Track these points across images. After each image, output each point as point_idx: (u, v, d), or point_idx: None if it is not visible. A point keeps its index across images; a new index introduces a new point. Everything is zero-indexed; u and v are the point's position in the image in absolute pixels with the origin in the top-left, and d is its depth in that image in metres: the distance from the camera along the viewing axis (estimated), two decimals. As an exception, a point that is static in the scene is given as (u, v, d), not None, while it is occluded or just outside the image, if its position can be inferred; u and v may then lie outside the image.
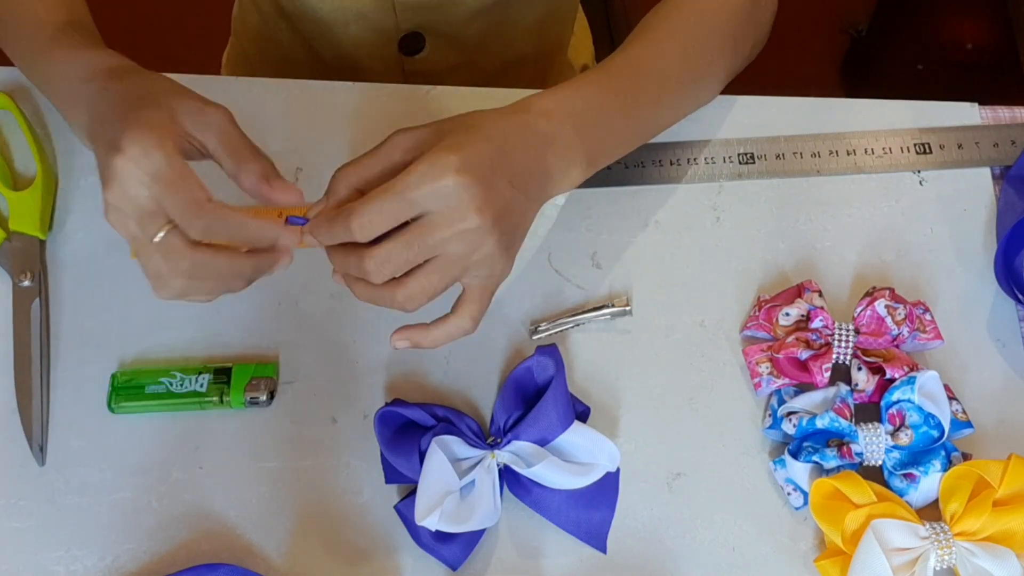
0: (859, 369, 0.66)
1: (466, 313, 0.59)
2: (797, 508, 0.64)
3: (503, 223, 0.57)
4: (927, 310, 0.68)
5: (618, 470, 0.64)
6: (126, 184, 0.54)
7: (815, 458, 0.63)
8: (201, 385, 0.66)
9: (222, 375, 0.66)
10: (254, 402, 0.66)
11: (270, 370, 0.67)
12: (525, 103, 0.61)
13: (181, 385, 0.66)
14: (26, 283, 0.69)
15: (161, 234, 0.54)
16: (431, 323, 0.60)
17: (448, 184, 0.54)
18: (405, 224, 0.55)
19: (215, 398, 0.66)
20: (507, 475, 0.63)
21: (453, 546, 0.62)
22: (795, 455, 0.64)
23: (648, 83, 0.67)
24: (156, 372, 0.67)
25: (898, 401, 0.64)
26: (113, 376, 0.67)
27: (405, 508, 0.63)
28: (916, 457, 0.64)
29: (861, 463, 0.64)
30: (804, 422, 0.63)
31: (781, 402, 0.66)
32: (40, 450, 0.65)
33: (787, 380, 0.66)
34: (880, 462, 0.64)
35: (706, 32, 0.69)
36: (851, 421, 0.63)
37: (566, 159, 0.61)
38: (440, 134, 0.57)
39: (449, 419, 0.63)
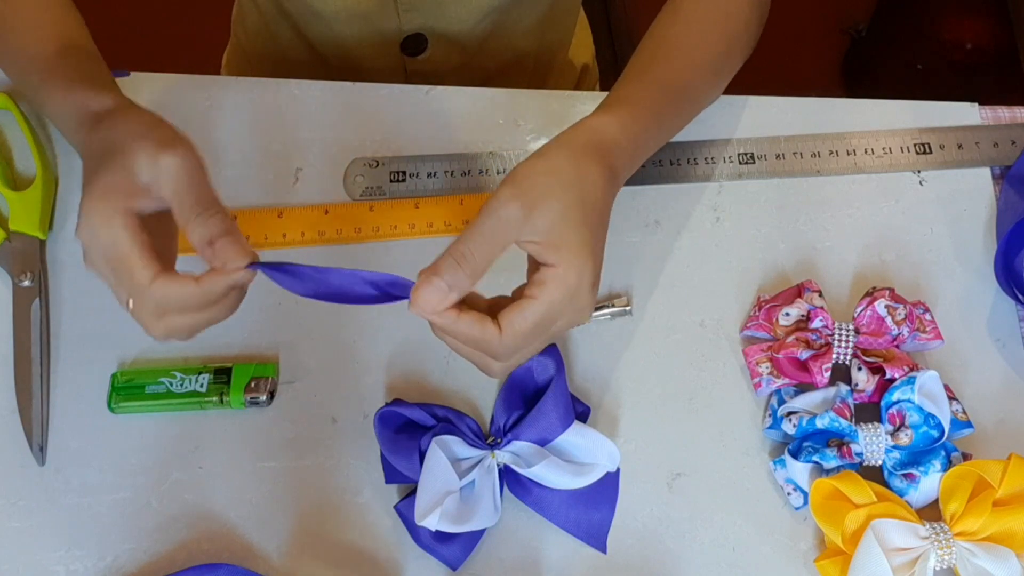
0: (859, 369, 0.66)
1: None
2: (797, 508, 0.64)
3: (597, 291, 0.58)
4: (927, 310, 0.68)
5: (618, 470, 0.64)
6: (89, 255, 0.55)
7: (815, 458, 0.63)
8: (201, 385, 0.66)
9: (222, 375, 0.66)
10: (254, 402, 0.66)
11: (270, 370, 0.67)
12: (603, 141, 0.60)
13: (181, 385, 0.66)
14: (26, 283, 0.69)
15: (130, 303, 0.55)
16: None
17: (584, 303, 0.56)
18: None
19: (215, 398, 0.66)
20: (507, 475, 0.63)
21: (453, 546, 0.62)
22: (795, 455, 0.64)
23: (680, 97, 0.68)
24: (156, 372, 0.67)
25: (898, 401, 0.64)
26: (113, 376, 0.67)
27: (405, 508, 0.63)
28: (916, 457, 0.64)
29: (861, 463, 0.64)
30: (804, 422, 0.63)
31: (781, 402, 0.66)
32: (40, 450, 0.65)
33: (787, 380, 0.66)
34: (880, 462, 0.64)
35: (724, 34, 0.70)
36: (851, 421, 0.63)
37: (616, 189, 0.62)
38: (559, 213, 0.55)
39: (449, 419, 0.63)
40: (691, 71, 0.68)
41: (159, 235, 0.57)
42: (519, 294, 0.56)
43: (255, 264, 0.54)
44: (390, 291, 0.55)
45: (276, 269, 0.55)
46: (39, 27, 0.67)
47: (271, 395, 0.66)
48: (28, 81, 0.67)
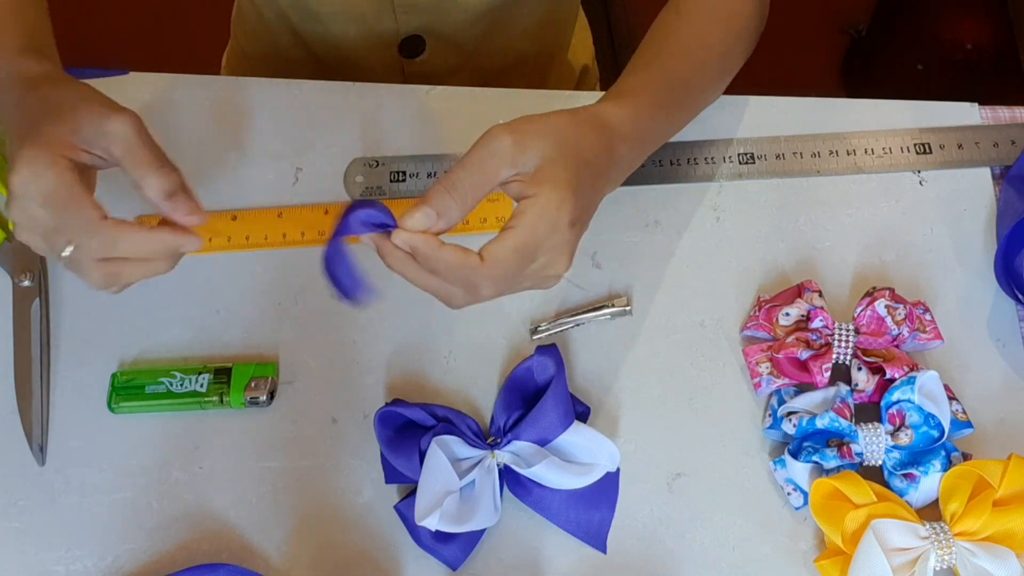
0: (859, 369, 0.66)
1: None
2: (797, 508, 0.64)
3: (577, 241, 0.58)
4: (927, 310, 0.68)
5: (618, 470, 0.64)
6: (23, 203, 0.54)
7: (815, 458, 0.63)
8: (201, 385, 0.66)
9: (222, 375, 0.66)
10: (254, 402, 0.66)
11: (270, 370, 0.67)
12: (607, 120, 0.61)
13: (181, 385, 0.66)
14: (26, 283, 0.69)
15: (67, 251, 0.55)
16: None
17: (564, 240, 0.56)
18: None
19: (215, 398, 0.66)
20: (507, 475, 0.63)
21: (453, 546, 0.62)
22: (795, 455, 0.64)
23: (684, 92, 0.68)
24: (156, 372, 0.67)
25: (898, 401, 0.64)
26: (113, 376, 0.67)
27: (405, 508, 0.63)
28: (916, 457, 0.64)
29: (861, 463, 0.64)
30: (804, 422, 0.63)
31: (781, 402, 0.66)
32: (40, 450, 0.65)
33: (787, 380, 0.66)
34: (880, 462, 0.64)
35: (727, 32, 0.70)
36: (851, 421, 0.63)
37: (619, 180, 0.63)
38: (546, 158, 0.56)
39: (449, 419, 0.63)
40: (694, 67, 0.68)
41: None
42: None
43: (373, 219, 0.55)
44: (372, 221, 0.55)
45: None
46: None
47: (271, 395, 0.66)
48: None
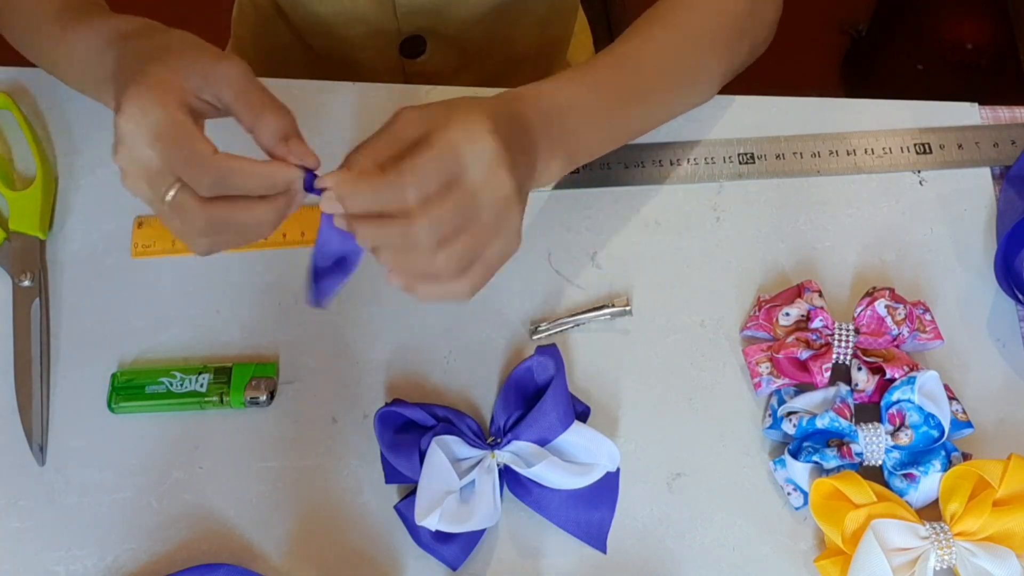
0: (859, 369, 0.66)
1: (468, 280, 0.56)
2: (797, 508, 0.64)
3: (522, 195, 0.56)
4: (927, 310, 0.68)
5: (618, 470, 0.64)
6: (130, 144, 0.53)
7: (815, 458, 0.63)
8: (201, 385, 0.66)
9: (222, 375, 0.66)
10: (254, 402, 0.66)
11: (270, 370, 0.67)
12: (511, 93, 0.60)
13: (181, 385, 0.66)
14: (26, 283, 0.69)
15: (172, 193, 0.53)
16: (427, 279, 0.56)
17: (489, 146, 0.53)
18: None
19: (215, 398, 0.66)
20: (507, 475, 0.63)
21: (453, 546, 0.62)
22: (795, 455, 0.64)
23: (634, 80, 0.66)
24: (156, 372, 0.67)
25: (898, 401, 0.64)
26: (113, 376, 0.67)
27: (405, 508, 0.63)
28: (916, 457, 0.64)
29: (861, 463, 0.64)
30: (804, 422, 0.63)
31: (781, 402, 0.66)
32: (40, 450, 0.65)
33: (787, 380, 0.66)
34: (880, 462, 0.64)
35: (699, 32, 0.69)
36: (851, 421, 0.63)
37: (548, 151, 0.60)
38: (450, 110, 0.55)
39: (449, 419, 0.63)
40: (657, 53, 0.67)
41: None
42: None
43: (311, 181, 0.55)
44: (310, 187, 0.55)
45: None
46: None
47: (271, 395, 0.66)
48: (41, 25, 0.66)
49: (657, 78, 0.68)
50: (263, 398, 0.66)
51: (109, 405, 0.66)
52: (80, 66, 0.64)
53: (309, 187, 0.55)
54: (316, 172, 0.55)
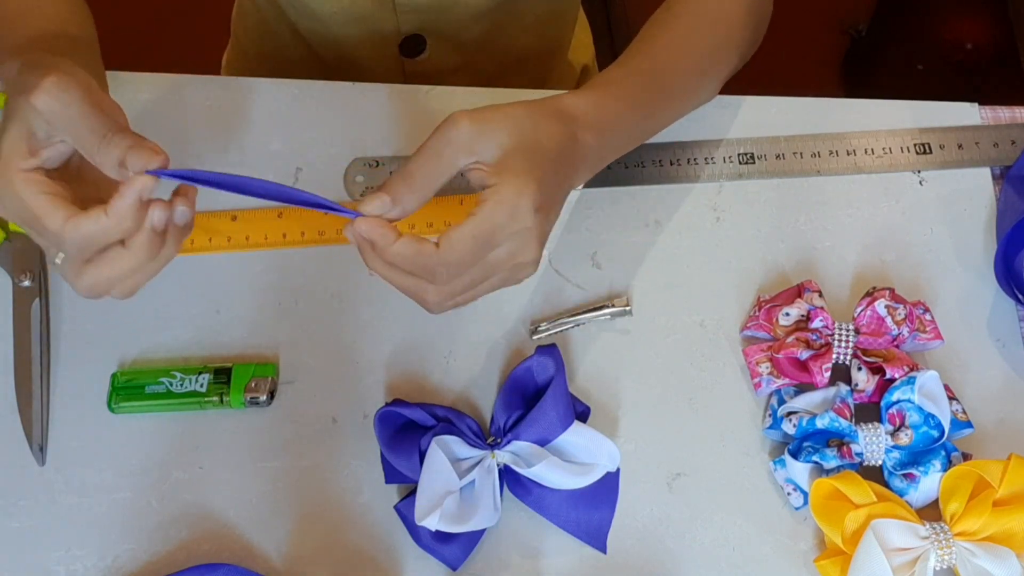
0: (859, 369, 0.66)
1: (453, 305, 0.58)
2: (797, 508, 0.64)
3: (544, 236, 0.57)
4: (927, 310, 0.68)
5: (618, 470, 0.64)
6: (19, 224, 0.54)
7: (815, 458, 0.63)
8: (201, 385, 0.66)
9: (222, 375, 0.66)
10: (254, 402, 0.66)
11: (270, 370, 0.67)
12: (568, 109, 0.60)
13: (181, 385, 0.66)
14: (26, 283, 0.69)
15: (58, 260, 0.54)
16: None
17: (527, 225, 0.55)
18: None
19: (215, 398, 0.66)
20: (507, 475, 0.63)
21: (453, 546, 0.62)
22: (795, 455, 0.64)
23: (661, 89, 0.67)
24: (156, 372, 0.67)
25: (898, 401, 0.64)
26: (113, 376, 0.67)
27: (405, 508, 0.63)
28: (916, 457, 0.64)
29: (861, 463, 0.64)
30: (804, 422, 0.63)
31: (781, 402, 0.66)
32: (40, 450, 0.65)
33: (787, 380, 0.66)
34: (880, 462, 0.64)
35: (716, 33, 0.70)
36: (851, 421, 0.63)
37: (586, 168, 0.62)
38: (506, 148, 0.55)
39: (449, 419, 0.63)
40: (675, 63, 0.68)
41: (92, 181, 0.55)
42: None
43: (159, 172, 0.51)
44: (331, 207, 0.54)
45: (182, 176, 0.52)
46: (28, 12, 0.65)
47: (271, 395, 0.66)
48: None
49: (679, 84, 0.69)
50: (263, 398, 0.66)
51: (109, 405, 0.66)
52: None
53: (334, 208, 0.54)
54: (163, 166, 0.52)
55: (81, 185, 0.55)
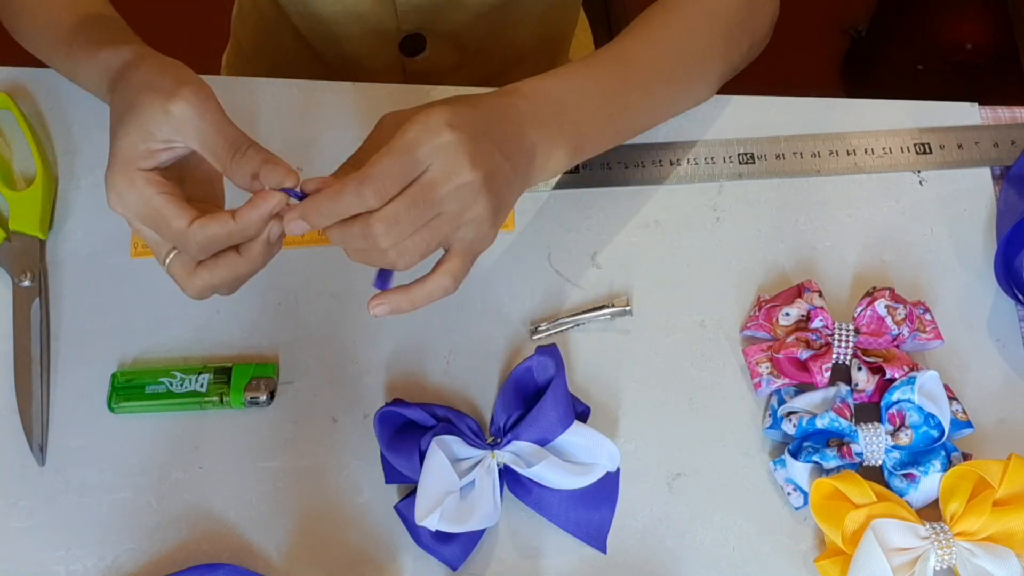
0: (859, 369, 0.66)
1: (448, 272, 0.58)
2: (797, 508, 0.64)
3: (493, 183, 0.57)
4: (927, 310, 0.68)
5: (618, 470, 0.64)
6: (129, 221, 0.56)
7: (815, 458, 0.63)
8: (201, 385, 0.66)
9: (222, 375, 0.66)
10: (254, 402, 0.66)
11: (270, 370, 0.67)
12: (505, 88, 0.62)
13: (181, 385, 0.66)
14: (26, 283, 0.69)
15: (168, 259, 0.56)
16: (410, 284, 0.58)
17: (444, 139, 0.55)
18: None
19: (215, 398, 0.66)
20: (507, 475, 0.63)
21: (453, 546, 0.62)
22: (795, 455, 0.64)
23: (636, 76, 0.67)
24: (156, 372, 0.67)
25: (898, 401, 0.64)
26: (113, 376, 0.67)
27: (405, 508, 0.63)
28: (916, 457, 0.64)
29: (861, 463, 0.64)
30: (804, 422, 0.63)
31: (781, 402, 0.66)
32: (40, 450, 0.65)
33: (787, 380, 0.66)
34: (880, 462, 0.64)
35: (699, 30, 0.69)
36: (851, 421, 0.63)
37: (548, 141, 0.62)
38: (417, 110, 0.57)
39: (449, 419, 0.63)
40: (656, 54, 0.68)
41: (195, 182, 0.59)
42: None
43: (290, 191, 0.55)
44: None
45: (299, 198, 0.56)
46: (54, 1, 0.68)
47: (271, 395, 0.66)
48: (56, 55, 0.68)
49: (658, 73, 0.68)
50: (263, 398, 0.66)
51: (109, 405, 0.66)
52: (90, 89, 0.67)
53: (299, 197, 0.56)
54: (296, 188, 0.56)
55: (184, 187, 0.58)
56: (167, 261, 0.57)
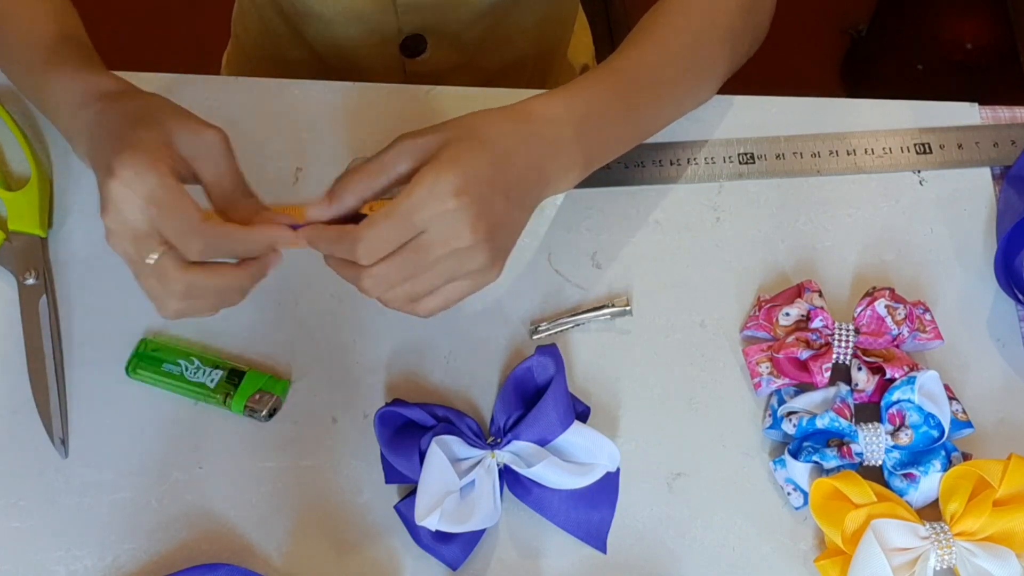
0: (859, 369, 0.66)
1: (423, 309, 0.59)
2: (797, 508, 0.64)
3: (496, 238, 0.57)
4: (927, 310, 0.68)
5: (618, 470, 0.64)
6: (121, 207, 0.54)
7: (815, 458, 0.63)
8: (211, 380, 0.66)
9: (235, 377, 0.66)
10: (252, 413, 0.66)
11: (280, 388, 0.66)
12: (529, 107, 0.61)
13: (194, 374, 0.66)
14: (31, 281, 0.69)
15: (154, 256, 0.55)
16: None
17: (449, 206, 0.55)
18: None
19: (219, 396, 0.66)
20: (507, 475, 0.63)
21: (453, 546, 0.62)
22: (795, 455, 0.64)
23: (649, 84, 0.67)
24: (179, 352, 0.67)
25: (898, 401, 0.64)
26: (142, 341, 0.67)
27: (405, 508, 0.63)
28: (916, 457, 0.64)
29: (861, 463, 0.64)
30: (804, 422, 0.64)
31: (781, 402, 0.66)
32: (62, 443, 0.65)
33: (787, 380, 0.66)
34: (880, 462, 0.64)
35: (705, 31, 0.69)
36: (851, 421, 0.63)
37: (566, 165, 0.62)
38: (444, 142, 0.57)
39: (449, 419, 0.63)
40: (663, 60, 0.68)
41: None
42: None
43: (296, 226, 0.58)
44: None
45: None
46: (36, 16, 0.68)
47: (270, 414, 0.66)
48: (30, 65, 0.67)
49: (669, 80, 0.69)
50: (262, 414, 0.66)
51: (127, 370, 0.67)
52: (56, 112, 0.65)
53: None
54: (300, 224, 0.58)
55: None
56: (152, 258, 0.55)
